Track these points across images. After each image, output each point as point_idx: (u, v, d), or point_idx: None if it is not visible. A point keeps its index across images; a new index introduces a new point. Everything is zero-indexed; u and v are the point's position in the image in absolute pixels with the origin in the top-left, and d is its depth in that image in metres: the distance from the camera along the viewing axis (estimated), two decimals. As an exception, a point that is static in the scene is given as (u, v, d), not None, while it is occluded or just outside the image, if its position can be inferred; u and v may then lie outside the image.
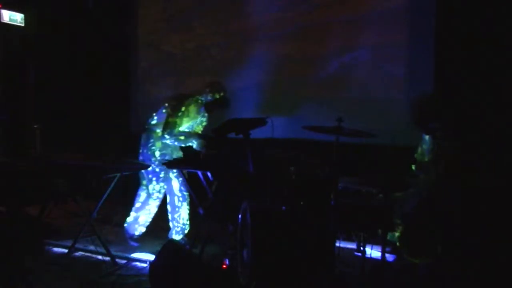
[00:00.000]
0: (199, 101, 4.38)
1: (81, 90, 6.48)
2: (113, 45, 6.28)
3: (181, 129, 4.40)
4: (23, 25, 6.29)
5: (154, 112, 4.51)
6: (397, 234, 3.48)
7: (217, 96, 4.37)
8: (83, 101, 6.45)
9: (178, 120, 4.29)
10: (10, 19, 6.18)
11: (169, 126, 4.27)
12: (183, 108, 4.30)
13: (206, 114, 4.52)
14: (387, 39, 4.59)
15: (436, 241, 3.32)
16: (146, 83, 6.13)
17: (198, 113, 4.43)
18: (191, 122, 4.46)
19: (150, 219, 4.53)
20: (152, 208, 4.49)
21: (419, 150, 3.81)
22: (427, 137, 3.71)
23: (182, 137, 4.26)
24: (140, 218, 4.51)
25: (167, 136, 4.26)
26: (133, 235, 4.49)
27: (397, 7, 4.54)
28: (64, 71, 6.60)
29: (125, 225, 4.55)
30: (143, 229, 4.53)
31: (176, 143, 4.28)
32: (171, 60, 6.05)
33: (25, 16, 6.30)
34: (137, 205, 4.53)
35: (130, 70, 6.23)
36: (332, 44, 4.87)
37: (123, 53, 6.24)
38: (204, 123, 4.61)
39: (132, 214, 4.54)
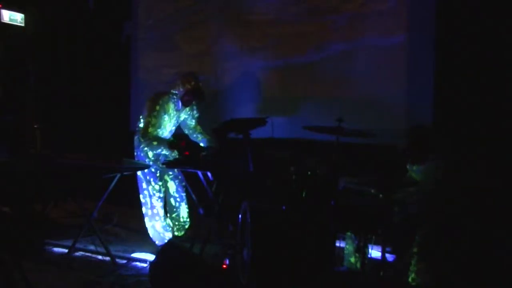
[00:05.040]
0: (175, 96, 4.29)
1: (81, 90, 6.48)
2: (113, 45, 6.27)
3: (169, 127, 4.34)
4: (23, 25, 6.29)
5: (141, 115, 4.39)
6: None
7: (188, 87, 4.22)
8: (83, 101, 6.45)
9: (152, 120, 4.16)
10: (10, 19, 6.17)
11: (143, 128, 4.16)
12: (157, 107, 4.18)
13: (194, 107, 4.49)
14: (388, 38, 4.58)
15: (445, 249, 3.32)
16: (147, 83, 6.11)
17: (176, 109, 4.34)
18: (175, 119, 4.39)
19: (165, 222, 4.45)
20: (159, 210, 4.39)
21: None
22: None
23: (155, 142, 4.13)
24: (156, 226, 4.42)
25: (142, 140, 4.12)
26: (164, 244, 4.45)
27: (397, 5, 4.54)
28: (64, 71, 6.60)
29: (151, 237, 4.48)
30: (169, 234, 4.46)
31: (149, 149, 4.17)
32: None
33: (25, 16, 6.30)
34: (149, 212, 4.42)
35: (130, 70, 6.22)
36: (333, 44, 4.87)
37: (123, 53, 6.23)
38: (196, 115, 4.56)
39: (148, 224, 4.46)
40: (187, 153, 4.19)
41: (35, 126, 5.62)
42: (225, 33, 5.46)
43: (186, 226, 4.56)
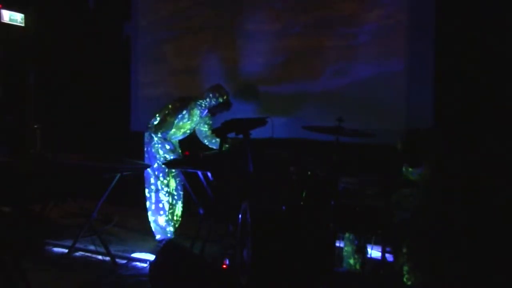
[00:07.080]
0: (203, 105, 4.47)
1: (81, 90, 6.48)
2: (113, 45, 6.27)
3: (183, 130, 4.50)
4: (23, 25, 6.29)
5: (157, 113, 4.51)
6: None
7: (221, 100, 4.46)
8: (83, 101, 6.45)
9: (175, 121, 4.37)
10: (10, 19, 6.17)
11: (165, 126, 4.36)
12: (184, 111, 4.39)
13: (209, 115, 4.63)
14: (387, 39, 4.59)
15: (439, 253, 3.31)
16: (147, 83, 6.11)
17: (200, 116, 4.53)
18: (194, 124, 4.55)
19: (169, 217, 4.50)
20: (165, 204, 4.48)
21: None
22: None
23: (167, 146, 4.37)
24: (159, 220, 4.49)
25: (159, 135, 4.35)
26: (163, 239, 4.47)
27: (397, 10, 4.55)
28: (64, 71, 6.60)
29: (153, 231, 4.55)
30: (171, 229, 4.52)
31: (159, 145, 4.37)
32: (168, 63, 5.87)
33: (25, 16, 6.29)
34: (152, 207, 4.51)
35: (130, 70, 6.22)
36: (333, 45, 4.87)
37: (123, 53, 6.23)
38: (209, 122, 4.68)
39: (150, 218, 4.54)
40: (187, 153, 4.25)
41: (35, 126, 5.61)
42: (221, 45, 5.40)
43: (177, 225, 4.61)
